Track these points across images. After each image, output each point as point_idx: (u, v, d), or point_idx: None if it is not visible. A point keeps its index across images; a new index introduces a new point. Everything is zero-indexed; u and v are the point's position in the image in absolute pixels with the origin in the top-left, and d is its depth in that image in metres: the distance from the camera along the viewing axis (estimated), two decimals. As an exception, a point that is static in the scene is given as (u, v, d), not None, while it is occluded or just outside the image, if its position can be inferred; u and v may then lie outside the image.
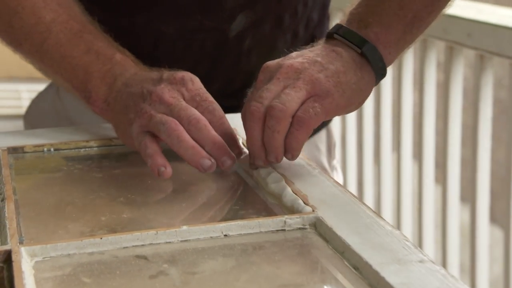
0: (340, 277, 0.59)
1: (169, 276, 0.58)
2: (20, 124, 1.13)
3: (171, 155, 0.76)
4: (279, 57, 1.02)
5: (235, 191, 0.76)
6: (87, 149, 0.86)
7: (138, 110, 0.78)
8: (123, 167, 0.82)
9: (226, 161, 0.75)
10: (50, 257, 0.61)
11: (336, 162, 1.12)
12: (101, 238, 0.62)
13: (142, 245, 0.63)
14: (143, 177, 0.78)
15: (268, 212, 0.70)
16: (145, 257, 0.61)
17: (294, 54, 0.80)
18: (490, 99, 1.58)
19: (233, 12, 0.94)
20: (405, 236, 0.62)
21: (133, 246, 0.62)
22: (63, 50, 0.86)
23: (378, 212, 1.97)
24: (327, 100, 0.75)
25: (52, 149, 0.85)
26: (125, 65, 0.85)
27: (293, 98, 0.74)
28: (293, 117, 0.74)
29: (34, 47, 0.88)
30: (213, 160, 0.74)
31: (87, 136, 0.87)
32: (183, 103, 0.78)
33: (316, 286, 0.59)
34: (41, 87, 1.12)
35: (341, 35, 0.80)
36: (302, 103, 0.75)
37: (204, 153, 0.75)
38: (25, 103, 2.24)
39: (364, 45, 0.79)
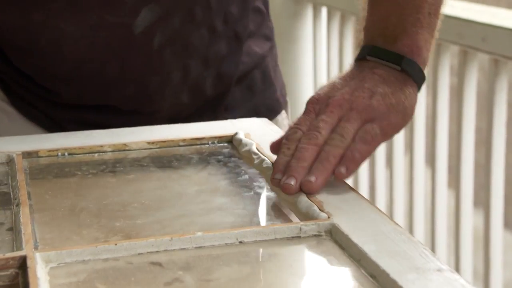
0: (356, 285, 0.59)
1: (184, 284, 0.58)
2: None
3: (182, 160, 0.76)
4: (196, 55, 0.93)
5: (250, 197, 0.75)
6: (101, 153, 0.85)
7: None
8: (137, 172, 0.81)
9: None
10: (65, 263, 0.61)
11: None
12: (115, 244, 0.62)
13: (157, 251, 0.62)
14: (157, 182, 0.78)
15: (283, 218, 0.70)
16: (160, 264, 0.61)
17: (337, 83, 0.79)
18: (504, 103, 1.57)
19: (136, 6, 0.89)
20: (422, 244, 0.61)
21: (147, 252, 0.62)
22: None
23: (390, 217, 1.96)
24: (384, 123, 0.76)
25: (66, 154, 0.85)
26: None
27: (349, 130, 0.75)
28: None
29: None
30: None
31: (101, 141, 0.87)
32: None
33: (332, 294, 0.58)
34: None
35: (375, 55, 0.79)
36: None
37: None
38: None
39: (401, 61, 0.79)
